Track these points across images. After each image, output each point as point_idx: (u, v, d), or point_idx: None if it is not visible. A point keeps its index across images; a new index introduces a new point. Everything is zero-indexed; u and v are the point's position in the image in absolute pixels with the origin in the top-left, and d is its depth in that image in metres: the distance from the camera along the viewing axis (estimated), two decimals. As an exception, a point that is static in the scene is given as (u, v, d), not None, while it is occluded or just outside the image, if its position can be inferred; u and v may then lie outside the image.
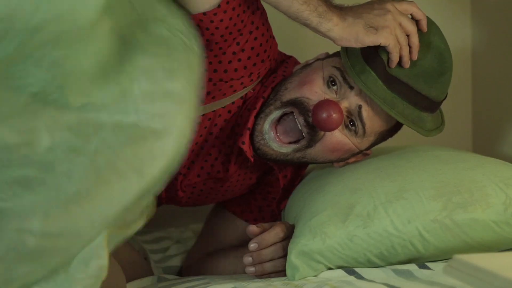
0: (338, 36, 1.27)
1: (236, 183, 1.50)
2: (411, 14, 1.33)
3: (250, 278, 1.31)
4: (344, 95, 1.35)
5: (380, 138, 1.41)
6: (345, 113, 1.34)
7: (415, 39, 1.31)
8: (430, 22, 1.36)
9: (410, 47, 1.31)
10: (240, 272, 1.44)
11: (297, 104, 1.35)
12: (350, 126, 1.35)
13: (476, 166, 1.34)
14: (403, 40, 1.29)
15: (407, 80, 1.32)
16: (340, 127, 1.34)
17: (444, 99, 1.39)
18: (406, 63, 1.31)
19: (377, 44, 1.28)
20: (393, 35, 1.28)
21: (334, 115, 1.30)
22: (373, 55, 1.31)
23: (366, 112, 1.34)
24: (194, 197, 1.51)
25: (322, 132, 1.35)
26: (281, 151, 1.38)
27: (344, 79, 1.34)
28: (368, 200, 1.28)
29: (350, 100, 1.34)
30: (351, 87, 1.34)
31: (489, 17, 1.95)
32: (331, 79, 1.35)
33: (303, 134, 1.36)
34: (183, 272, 1.63)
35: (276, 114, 1.37)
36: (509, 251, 1.25)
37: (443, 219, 1.24)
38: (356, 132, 1.36)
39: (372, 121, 1.36)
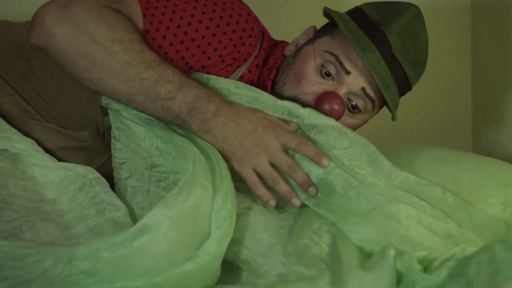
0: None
1: None
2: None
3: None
4: (342, 81, 1.33)
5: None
6: (345, 99, 1.34)
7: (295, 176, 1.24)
8: (418, 11, 1.35)
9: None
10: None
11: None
12: (352, 109, 1.35)
13: (475, 166, 1.34)
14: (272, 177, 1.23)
15: (404, 64, 1.33)
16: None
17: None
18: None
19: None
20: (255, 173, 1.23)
21: (336, 107, 1.29)
22: (379, 35, 1.30)
23: (370, 91, 1.33)
24: None
25: None
26: None
27: (340, 63, 1.32)
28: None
29: (350, 85, 1.33)
30: (348, 72, 1.32)
31: (489, 18, 1.95)
32: (324, 68, 1.33)
33: None
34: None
35: None
36: None
37: (442, 218, 1.24)
38: (362, 110, 1.35)
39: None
